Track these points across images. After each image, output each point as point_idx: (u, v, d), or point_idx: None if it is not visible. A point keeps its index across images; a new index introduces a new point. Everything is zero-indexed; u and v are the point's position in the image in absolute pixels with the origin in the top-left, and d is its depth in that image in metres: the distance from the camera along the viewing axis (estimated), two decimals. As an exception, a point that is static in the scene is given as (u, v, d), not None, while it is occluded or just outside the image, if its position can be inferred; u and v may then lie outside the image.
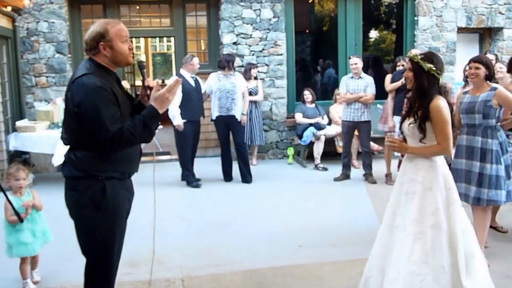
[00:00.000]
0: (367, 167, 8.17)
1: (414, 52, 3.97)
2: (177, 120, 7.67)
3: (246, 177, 8.16)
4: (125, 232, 3.31)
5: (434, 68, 3.62)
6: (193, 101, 7.83)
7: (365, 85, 8.02)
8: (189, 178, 8.01)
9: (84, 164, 3.02)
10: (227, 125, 8.10)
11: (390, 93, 7.92)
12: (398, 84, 7.72)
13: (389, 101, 7.96)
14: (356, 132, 8.36)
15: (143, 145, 3.81)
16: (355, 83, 8.07)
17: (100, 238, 3.12)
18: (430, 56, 3.68)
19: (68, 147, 3.13)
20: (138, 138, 3.03)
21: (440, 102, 3.58)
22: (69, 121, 3.09)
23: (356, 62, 8.04)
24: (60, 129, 7.84)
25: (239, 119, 8.08)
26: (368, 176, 8.14)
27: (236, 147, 8.18)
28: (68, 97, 3.02)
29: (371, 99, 8.01)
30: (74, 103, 2.94)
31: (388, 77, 8.02)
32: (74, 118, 2.98)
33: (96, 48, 3.08)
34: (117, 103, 3.01)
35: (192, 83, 7.90)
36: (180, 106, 7.67)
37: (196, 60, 7.94)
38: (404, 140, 3.83)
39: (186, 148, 7.92)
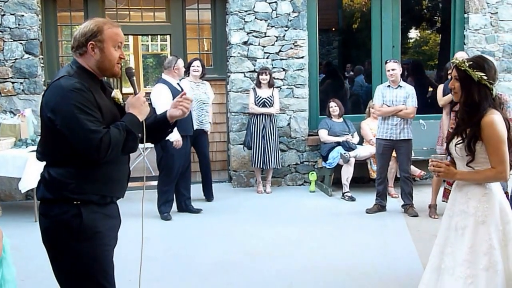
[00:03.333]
0: (407, 196, 8.20)
1: (459, 56, 4.01)
2: (175, 135, 7.64)
3: (210, 196, 8.93)
4: (113, 270, 3.36)
5: (485, 77, 3.65)
6: None
7: (405, 95, 8.10)
8: (162, 207, 8.01)
9: (58, 184, 3.14)
10: (194, 139, 8.54)
11: (444, 108, 7.96)
12: (451, 97, 7.73)
13: (444, 117, 7.99)
14: (394, 153, 8.43)
15: (131, 166, 3.90)
16: (393, 93, 8.15)
17: (81, 274, 3.20)
18: (480, 62, 3.73)
19: (43, 164, 3.26)
20: (123, 144, 3.15)
21: (494, 117, 3.61)
22: (43, 131, 3.24)
23: (394, 67, 8.12)
24: (30, 147, 8.04)
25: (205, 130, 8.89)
26: (408, 207, 8.16)
27: (202, 160, 8.88)
28: (43, 103, 3.17)
29: (412, 113, 8.07)
30: (49, 107, 3.10)
31: (440, 89, 8.06)
32: (49, 126, 3.12)
33: (84, 47, 3.22)
34: (99, 109, 3.14)
35: (180, 90, 7.98)
36: None
37: (181, 63, 8.14)
38: (453, 163, 3.87)
39: (172, 169, 7.94)
